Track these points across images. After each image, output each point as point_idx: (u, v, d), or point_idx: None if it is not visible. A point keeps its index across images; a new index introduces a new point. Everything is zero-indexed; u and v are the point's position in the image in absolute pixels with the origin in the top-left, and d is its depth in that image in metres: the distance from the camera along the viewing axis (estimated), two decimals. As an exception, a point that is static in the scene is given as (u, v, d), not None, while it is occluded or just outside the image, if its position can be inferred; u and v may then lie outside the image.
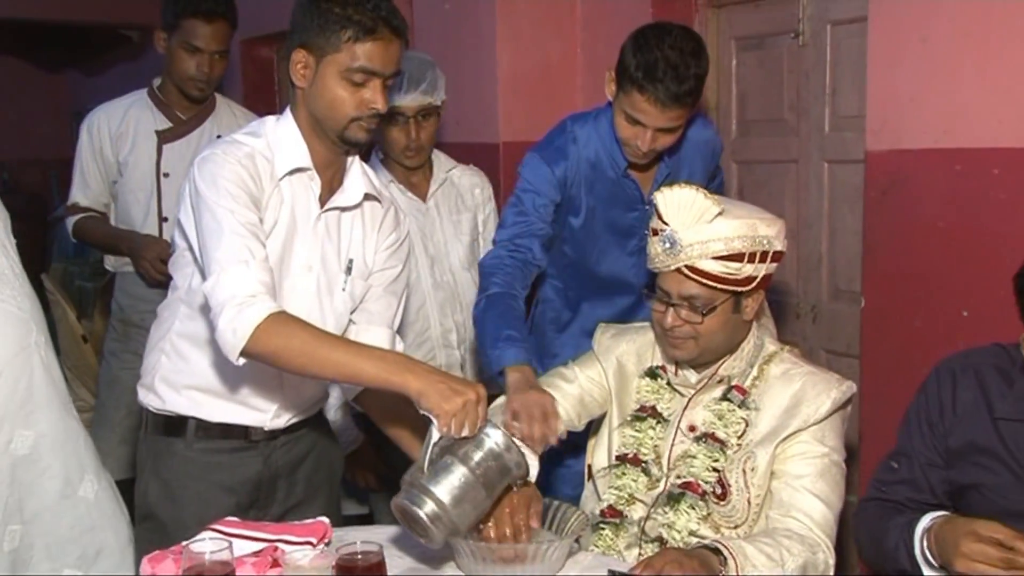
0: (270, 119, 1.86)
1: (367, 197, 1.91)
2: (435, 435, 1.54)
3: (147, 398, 1.94)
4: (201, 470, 1.90)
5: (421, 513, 1.51)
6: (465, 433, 1.54)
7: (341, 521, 2.11)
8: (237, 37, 3.51)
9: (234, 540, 1.58)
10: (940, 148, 2.32)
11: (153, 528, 1.91)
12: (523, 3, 3.39)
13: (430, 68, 2.55)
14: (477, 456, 1.55)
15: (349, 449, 2.60)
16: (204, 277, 1.70)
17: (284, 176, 1.80)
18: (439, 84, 2.56)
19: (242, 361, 1.63)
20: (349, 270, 1.90)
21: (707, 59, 2.18)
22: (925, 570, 1.61)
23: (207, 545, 1.46)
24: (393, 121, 2.52)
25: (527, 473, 1.66)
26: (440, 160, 2.72)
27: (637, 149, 2.22)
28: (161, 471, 1.92)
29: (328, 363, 1.62)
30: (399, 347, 1.96)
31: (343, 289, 1.90)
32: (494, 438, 1.57)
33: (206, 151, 1.78)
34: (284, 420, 1.94)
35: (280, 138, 1.81)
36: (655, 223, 1.81)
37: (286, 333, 1.62)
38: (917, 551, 1.62)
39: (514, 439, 1.63)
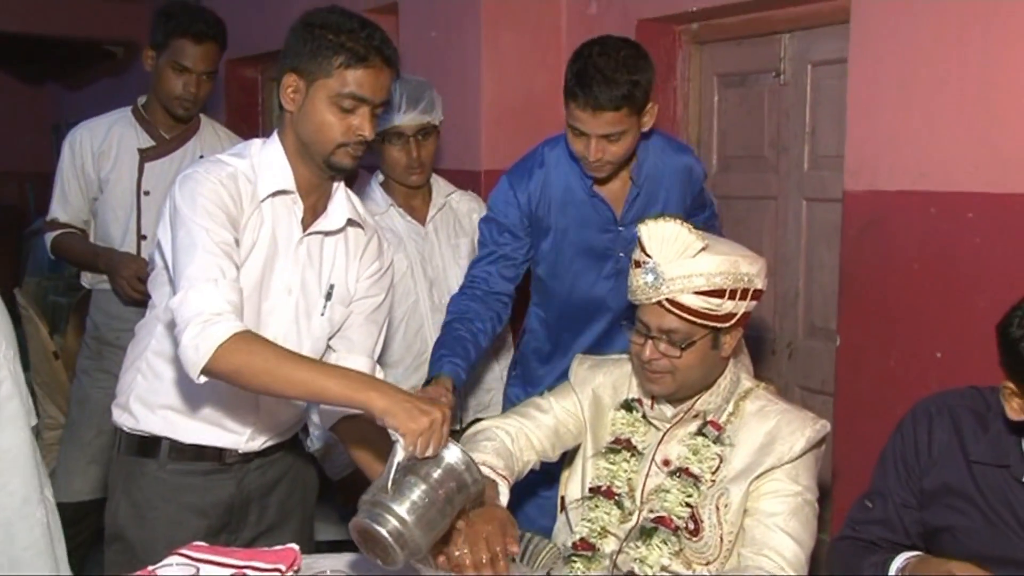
0: (257, 141, 1.86)
1: (350, 223, 1.91)
2: (400, 454, 1.52)
3: (121, 417, 1.92)
4: (172, 492, 1.88)
5: (384, 532, 1.48)
6: (429, 453, 1.52)
7: (313, 547, 2.09)
8: (222, 58, 3.50)
9: (201, 565, 1.56)
10: (916, 190, 2.35)
11: (122, 550, 1.89)
12: (508, 33, 3.41)
13: (427, 89, 2.59)
14: (439, 475, 1.53)
15: (343, 474, 2.58)
16: (174, 293, 1.69)
17: (266, 198, 1.80)
18: (436, 104, 2.60)
19: (203, 379, 1.61)
20: (329, 295, 1.90)
21: (648, 68, 2.22)
22: None
23: (174, 570, 1.45)
24: (392, 141, 2.55)
25: (483, 490, 1.63)
26: (439, 185, 2.75)
27: (587, 161, 2.26)
28: (132, 492, 1.90)
29: (291, 381, 1.60)
30: (379, 376, 1.93)
31: (322, 314, 1.89)
32: (455, 457, 1.55)
33: (188, 169, 1.78)
34: (259, 443, 1.92)
35: (265, 160, 1.81)
36: (638, 255, 1.82)
37: (248, 351, 1.60)
38: None
39: (473, 458, 1.61)
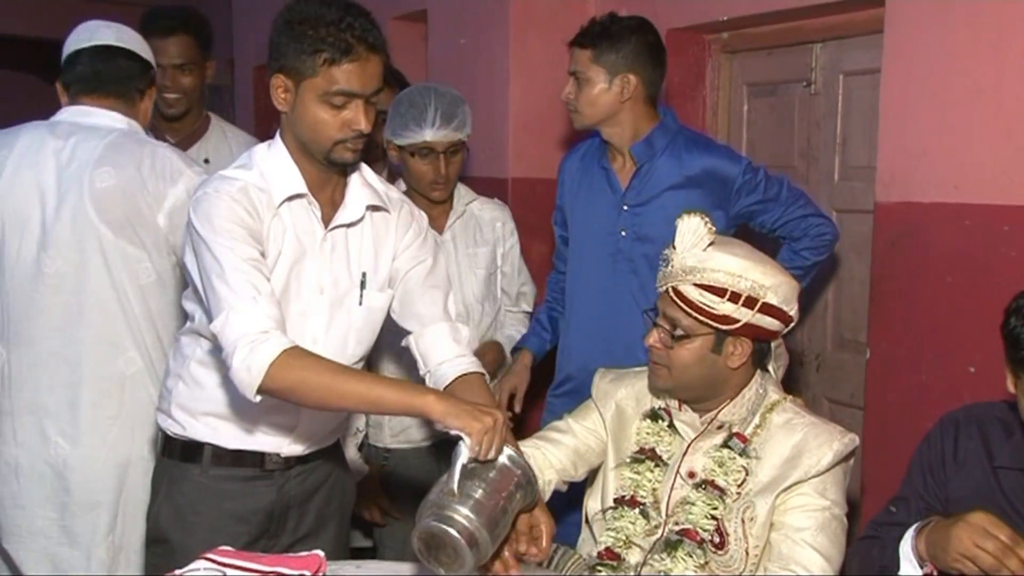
0: (260, 147, 1.85)
1: (372, 208, 1.89)
2: (464, 455, 1.52)
3: (165, 423, 1.94)
4: (215, 498, 1.90)
5: (454, 532, 1.47)
6: (491, 455, 1.53)
7: (349, 554, 2.09)
8: (250, 63, 3.53)
9: (228, 570, 1.56)
10: (950, 203, 2.32)
11: (162, 553, 1.90)
12: (537, 40, 3.41)
13: (461, 104, 2.58)
14: (498, 478, 1.54)
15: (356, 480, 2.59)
16: (210, 316, 1.69)
17: (282, 203, 1.79)
18: (468, 120, 2.60)
19: (259, 398, 1.63)
20: (363, 284, 1.89)
21: (635, 43, 2.47)
22: (905, 568, 1.61)
23: (200, 575, 1.45)
24: (421, 155, 2.53)
25: (538, 494, 1.63)
26: (460, 192, 2.73)
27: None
28: (174, 495, 1.92)
29: (346, 394, 1.61)
30: (463, 333, 1.91)
31: (359, 304, 1.89)
32: (511, 460, 1.56)
33: (198, 191, 1.77)
34: (301, 449, 1.93)
35: (272, 166, 1.80)
36: (669, 247, 1.86)
37: (301, 367, 1.61)
38: (907, 547, 1.61)
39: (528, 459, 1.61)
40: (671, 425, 1.91)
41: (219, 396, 1.86)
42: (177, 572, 1.52)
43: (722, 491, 1.80)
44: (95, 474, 2.13)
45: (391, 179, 2.79)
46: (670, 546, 1.79)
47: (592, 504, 1.98)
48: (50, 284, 2.10)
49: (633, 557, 1.84)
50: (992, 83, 2.23)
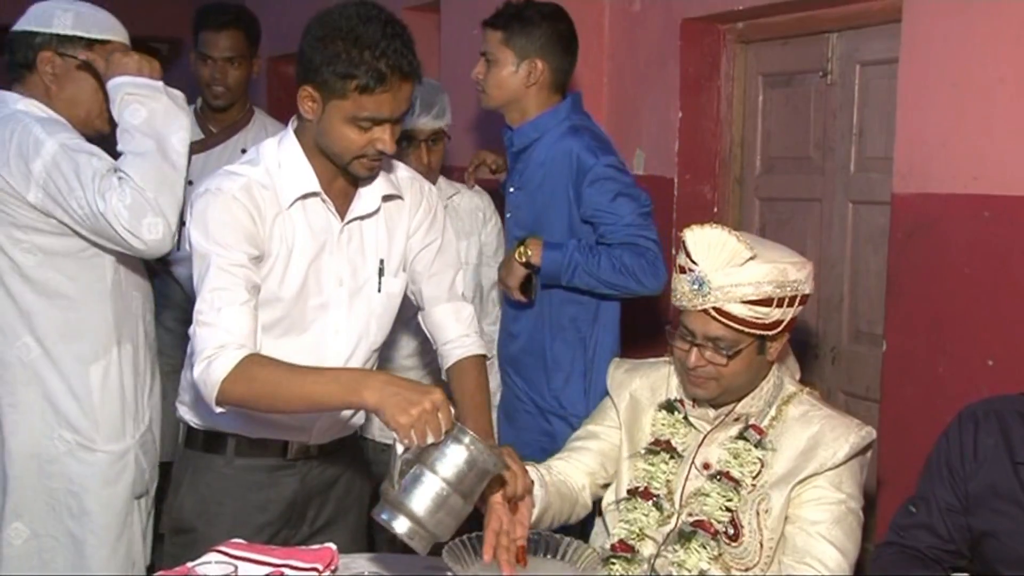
0: (270, 142, 1.83)
1: (386, 198, 1.89)
2: (399, 448, 1.51)
3: (188, 414, 1.95)
4: (239, 488, 1.90)
5: (395, 528, 1.49)
6: (430, 440, 1.49)
7: (367, 544, 2.10)
8: (264, 54, 3.52)
9: (239, 563, 1.57)
10: (969, 194, 2.30)
11: (184, 543, 1.90)
12: (551, 31, 3.39)
13: (440, 93, 2.58)
14: (446, 462, 1.51)
15: None
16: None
17: (295, 202, 1.78)
18: (447, 110, 2.59)
19: (220, 410, 1.64)
20: (382, 271, 1.90)
21: (541, 27, 2.49)
22: None
23: (212, 569, 1.45)
24: (402, 146, 2.48)
25: (505, 468, 1.60)
26: (441, 186, 2.70)
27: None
28: (199, 486, 1.92)
29: (291, 400, 1.61)
30: (466, 312, 1.97)
31: (378, 291, 1.90)
32: (462, 442, 1.52)
33: (201, 187, 1.76)
34: (323, 437, 1.94)
35: (284, 163, 1.79)
36: (683, 260, 1.79)
37: (247, 379, 1.61)
38: None
39: (479, 438, 1.56)
40: (687, 417, 1.90)
41: None
42: (189, 565, 1.52)
43: (737, 483, 1.79)
44: None
45: None
46: (684, 538, 1.78)
47: (607, 494, 1.97)
48: None
49: (646, 549, 1.84)
50: (1012, 72, 2.21)
